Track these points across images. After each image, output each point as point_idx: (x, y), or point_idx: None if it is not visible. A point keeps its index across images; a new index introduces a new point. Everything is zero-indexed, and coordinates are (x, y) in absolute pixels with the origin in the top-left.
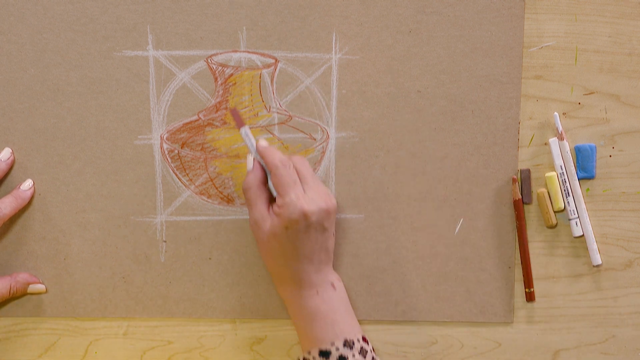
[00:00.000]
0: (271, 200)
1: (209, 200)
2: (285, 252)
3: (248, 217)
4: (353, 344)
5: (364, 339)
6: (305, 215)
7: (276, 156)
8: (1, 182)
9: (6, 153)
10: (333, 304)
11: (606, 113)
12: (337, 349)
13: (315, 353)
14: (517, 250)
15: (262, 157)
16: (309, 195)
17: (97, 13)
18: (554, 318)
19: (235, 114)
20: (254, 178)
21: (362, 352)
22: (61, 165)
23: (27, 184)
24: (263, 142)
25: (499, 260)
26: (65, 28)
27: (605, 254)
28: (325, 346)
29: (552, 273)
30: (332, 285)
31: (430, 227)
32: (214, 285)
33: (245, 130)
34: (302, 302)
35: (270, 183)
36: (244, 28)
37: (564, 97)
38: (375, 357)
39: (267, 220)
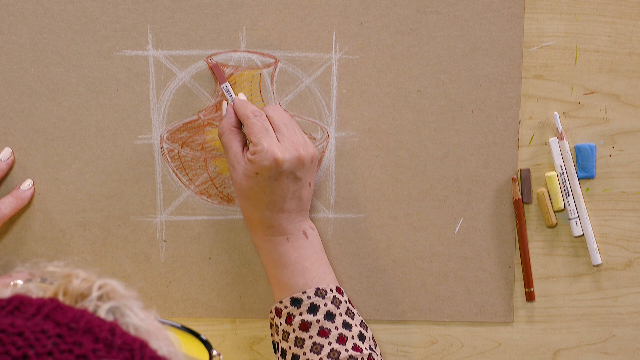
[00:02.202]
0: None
1: (209, 200)
2: (257, 198)
3: None
4: (325, 292)
5: (339, 290)
6: (276, 163)
7: (248, 107)
8: (1, 182)
9: (6, 153)
10: (304, 251)
11: (606, 113)
12: (309, 297)
13: (287, 302)
14: (517, 250)
15: (236, 110)
16: (283, 143)
17: (97, 13)
18: (554, 318)
19: (217, 69)
20: (227, 122)
21: (335, 301)
22: (61, 165)
23: (27, 184)
24: (241, 96)
25: (498, 259)
26: (65, 28)
27: (605, 253)
28: (296, 294)
29: (552, 273)
30: (304, 233)
31: (430, 227)
32: (214, 285)
33: (226, 85)
34: (272, 248)
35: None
36: (244, 28)
37: (564, 97)
38: (350, 308)
39: (241, 163)
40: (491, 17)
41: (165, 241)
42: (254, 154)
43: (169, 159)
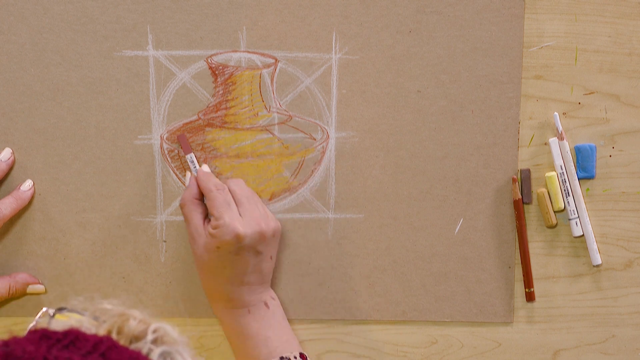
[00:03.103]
0: (207, 216)
1: None
2: (217, 271)
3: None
4: None
5: (302, 356)
6: (237, 238)
7: (211, 180)
8: (1, 183)
9: (6, 153)
10: (266, 322)
11: (606, 113)
12: None
13: None
14: (517, 250)
15: (199, 182)
16: (244, 218)
17: (97, 13)
18: (554, 318)
19: (182, 139)
20: (189, 193)
21: None
22: (61, 165)
23: (27, 184)
24: (204, 168)
25: (499, 260)
26: (65, 28)
27: (605, 254)
28: None
29: (552, 273)
30: (265, 303)
31: (430, 227)
32: None
33: (191, 156)
34: (233, 320)
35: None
36: (244, 28)
37: (564, 97)
38: None
39: (202, 236)
40: (491, 17)
41: (165, 241)
42: (215, 228)
43: (169, 159)
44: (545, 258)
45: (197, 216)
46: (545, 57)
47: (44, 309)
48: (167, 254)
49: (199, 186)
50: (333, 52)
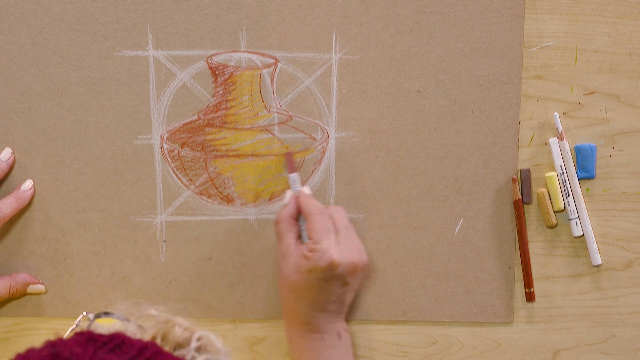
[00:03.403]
0: (299, 237)
1: (209, 200)
2: (302, 294)
3: (249, 219)
4: None
5: None
6: (332, 265)
7: (314, 203)
8: (1, 183)
9: (6, 153)
10: (335, 352)
11: (606, 113)
12: None
13: None
14: (517, 250)
15: (301, 202)
16: (341, 246)
17: (97, 13)
18: (554, 318)
19: (289, 158)
20: (287, 212)
21: None
22: (61, 165)
23: (27, 184)
24: (306, 189)
25: (499, 260)
26: (65, 28)
27: (605, 254)
28: None
29: (552, 273)
30: (338, 334)
31: (430, 227)
32: (214, 286)
33: (296, 175)
34: (305, 344)
35: (303, 229)
36: (244, 28)
37: (564, 97)
38: None
39: (294, 255)
40: (491, 17)
41: (165, 241)
42: (311, 251)
43: (169, 159)
44: (545, 258)
45: (291, 235)
46: (545, 57)
47: (84, 313)
48: (167, 254)
49: (298, 206)
50: (333, 52)
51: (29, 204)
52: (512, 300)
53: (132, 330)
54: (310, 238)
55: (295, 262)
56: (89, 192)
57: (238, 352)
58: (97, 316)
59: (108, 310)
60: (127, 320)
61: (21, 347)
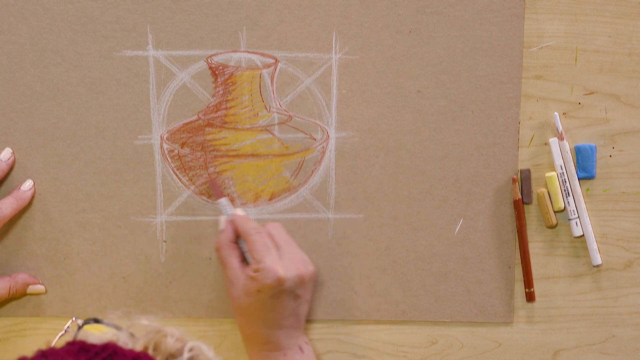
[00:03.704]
0: (244, 259)
1: (209, 200)
2: (256, 314)
3: (250, 219)
4: None
5: None
6: (279, 281)
7: (249, 224)
8: (1, 183)
9: (7, 153)
10: None
11: (606, 113)
12: None
13: None
14: (517, 250)
15: (236, 225)
16: (284, 262)
17: (97, 13)
18: (554, 318)
19: (213, 185)
20: (225, 237)
21: None
22: (61, 165)
23: (28, 184)
24: (240, 212)
25: (499, 260)
26: (65, 28)
27: (605, 254)
28: None
29: (552, 273)
30: (300, 348)
31: (430, 227)
32: (214, 286)
33: (225, 200)
34: None
35: (244, 250)
36: (244, 28)
37: (564, 97)
38: None
39: (240, 279)
40: (491, 17)
41: (165, 241)
42: (256, 271)
43: (169, 159)
44: (545, 258)
45: (234, 260)
46: (545, 57)
47: (73, 319)
48: (167, 254)
49: (234, 229)
50: (333, 52)
51: (29, 204)
52: (512, 300)
53: (123, 340)
54: (252, 258)
55: (242, 285)
56: (89, 192)
57: (238, 352)
58: (86, 322)
59: (98, 317)
60: (117, 328)
61: (21, 347)
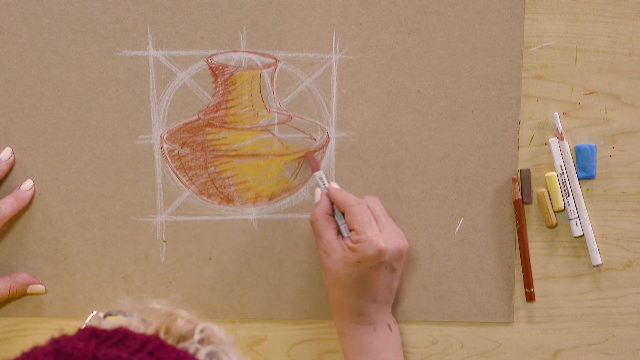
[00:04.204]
0: (338, 232)
1: (209, 200)
2: (352, 286)
3: (249, 219)
4: None
5: None
6: (380, 253)
7: (349, 195)
8: (1, 183)
9: (6, 153)
10: (388, 344)
11: (606, 113)
12: None
13: None
14: (517, 250)
15: (334, 197)
16: (384, 234)
17: (97, 13)
18: (554, 318)
19: (310, 157)
20: (321, 209)
21: None
22: (61, 165)
23: (28, 184)
24: (336, 185)
25: (498, 260)
26: (65, 28)
27: (605, 254)
28: None
29: (552, 273)
30: (389, 326)
31: (430, 227)
32: (213, 286)
33: (320, 173)
34: (358, 335)
35: (341, 221)
36: (244, 28)
37: (564, 97)
38: None
39: (338, 250)
40: (491, 17)
41: (165, 241)
42: (356, 242)
43: (169, 159)
44: (545, 258)
45: (330, 232)
46: (545, 57)
47: (94, 312)
48: (167, 254)
49: (330, 202)
50: (333, 52)
51: (29, 204)
52: (512, 300)
53: (135, 325)
54: (352, 229)
55: (341, 256)
56: (89, 192)
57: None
58: (108, 314)
59: (115, 308)
60: (130, 314)
61: (21, 347)
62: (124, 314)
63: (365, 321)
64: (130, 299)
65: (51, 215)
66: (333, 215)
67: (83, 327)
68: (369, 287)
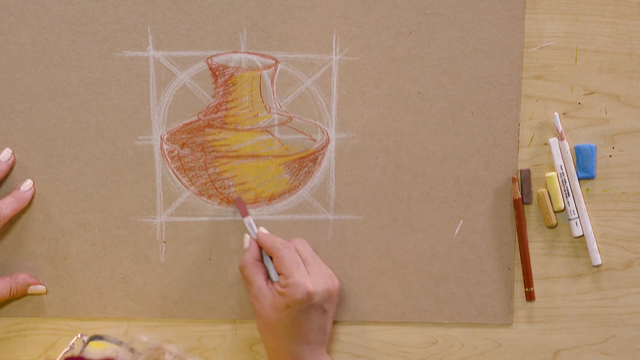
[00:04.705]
0: (268, 277)
1: (208, 201)
2: (284, 330)
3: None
4: None
5: None
6: (309, 296)
7: (277, 240)
8: (1, 183)
9: (6, 154)
10: None
11: (606, 113)
12: None
13: None
14: (517, 251)
15: (262, 242)
16: (313, 276)
17: (97, 13)
18: (554, 318)
19: (239, 203)
20: (250, 255)
21: None
22: (61, 165)
23: (27, 184)
24: (262, 229)
25: (498, 261)
26: (65, 28)
27: (605, 254)
28: None
29: (552, 273)
30: None
31: (430, 229)
32: (213, 286)
33: (249, 219)
34: None
35: (270, 265)
36: (245, 29)
37: (564, 97)
38: None
39: (267, 296)
40: (491, 18)
41: (165, 242)
42: (285, 286)
43: (169, 159)
44: (545, 258)
45: (259, 277)
46: (545, 57)
47: (78, 335)
48: (166, 255)
49: (258, 247)
50: (333, 53)
51: (29, 204)
52: (512, 302)
53: (122, 356)
54: (280, 274)
55: (271, 301)
56: (89, 193)
57: (238, 352)
58: (91, 339)
59: (101, 333)
60: (119, 344)
61: (21, 347)
62: (109, 340)
63: None
64: (120, 330)
65: (51, 216)
66: (262, 261)
67: (69, 354)
68: (301, 331)
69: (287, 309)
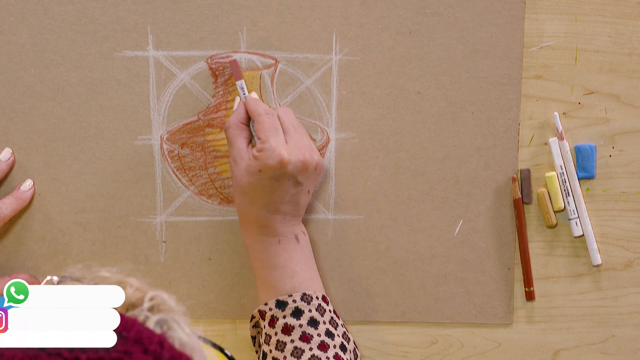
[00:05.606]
0: (251, 142)
1: (208, 200)
2: (255, 195)
3: None
4: (311, 299)
5: (324, 299)
6: (281, 163)
7: (261, 105)
8: (1, 183)
9: (6, 153)
10: (294, 255)
11: (606, 113)
12: (294, 301)
13: (272, 304)
14: (517, 250)
15: (248, 106)
16: (290, 145)
17: (97, 13)
18: (554, 318)
19: (234, 66)
20: (236, 117)
21: (320, 309)
22: (61, 165)
23: (27, 184)
24: (254, 94)
25: (498, 261)
26: (65, 28)
27: (605, 254)
28: (282, 297)
29: (552, 273)
30: (296, 237)
31: (430, 228)
32: (213, 286)
33: (241, 83)
34: (263, 248)
35: (254, 133)
36: (244, 29)
37: (564, 97)
38: (335, 318)
39: (244, 158)
40: (491, 18)
41: (165, 242)
42: (260, 150)
43: (169, 159)
44: (545, 258)
45: (241, 139)
46: (545, 57)
47: (48, 277)
48: (166, 255)
49: (246, 111)
50: (333, 53)
51: (29, 204)
52: (512, 302)
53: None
54: (258, 138)
55: (246, 164)
56: (89, 192)
57: (238, 352)
58: (61, 279)
59: (66, 274)
60: (80, 281)
61: None
62: (76, 280)
63: (269, 233)
64: (80, 266)
65: (51, 216)
66: (249, 125)
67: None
68: (272, 199)
69: (259, 174)
